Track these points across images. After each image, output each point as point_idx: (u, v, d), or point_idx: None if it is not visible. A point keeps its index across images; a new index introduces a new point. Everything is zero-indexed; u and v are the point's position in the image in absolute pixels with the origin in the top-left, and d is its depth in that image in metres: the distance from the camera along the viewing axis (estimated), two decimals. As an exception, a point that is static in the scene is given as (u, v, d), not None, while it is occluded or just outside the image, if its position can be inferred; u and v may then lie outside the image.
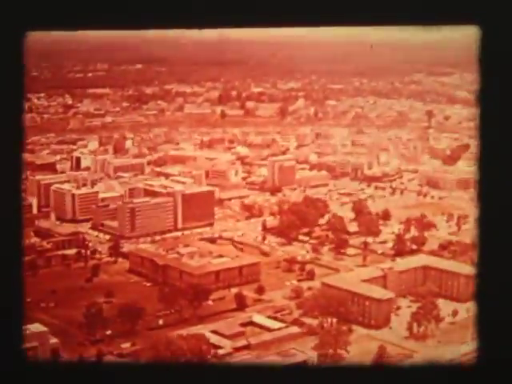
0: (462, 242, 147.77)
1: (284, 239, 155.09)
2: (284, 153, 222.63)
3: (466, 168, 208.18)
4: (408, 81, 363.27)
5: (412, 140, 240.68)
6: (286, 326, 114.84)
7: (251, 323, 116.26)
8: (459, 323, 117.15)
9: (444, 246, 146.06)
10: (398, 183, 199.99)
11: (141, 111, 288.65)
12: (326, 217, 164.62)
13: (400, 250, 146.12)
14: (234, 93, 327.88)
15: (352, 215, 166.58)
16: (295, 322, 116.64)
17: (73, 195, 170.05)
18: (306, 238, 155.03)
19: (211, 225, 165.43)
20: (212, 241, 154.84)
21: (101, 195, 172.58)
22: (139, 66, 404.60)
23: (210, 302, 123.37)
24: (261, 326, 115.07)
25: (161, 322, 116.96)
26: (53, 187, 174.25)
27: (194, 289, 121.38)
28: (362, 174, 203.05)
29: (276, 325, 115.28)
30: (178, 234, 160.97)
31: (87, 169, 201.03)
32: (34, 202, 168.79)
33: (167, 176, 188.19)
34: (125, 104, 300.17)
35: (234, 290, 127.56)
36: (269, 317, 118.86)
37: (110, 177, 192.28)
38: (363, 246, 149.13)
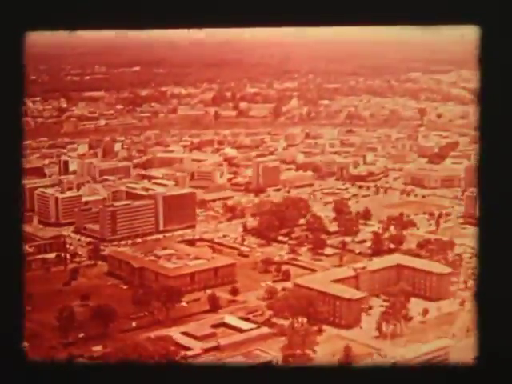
0: (440, 241, 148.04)
1: (263, 240, 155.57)
2: (272, 153, 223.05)
3: (453, 166, 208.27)
4: (404, 79, 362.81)
5: (401, 139, 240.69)
6: (258, 327, 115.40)
7: (223, 324, 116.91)
8: (429, 322, 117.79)
9: (422, 245, 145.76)
10: (382, 182, 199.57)
11: (135, 114, 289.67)
12: (307, 217, 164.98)
13: (377, 250, 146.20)
14: (228, 94, 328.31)
15: (333, 215, 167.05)
16: (267, 323, 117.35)
17: (56, 199, 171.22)
18: (286, 239, 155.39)
19: (193, 227, 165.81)
20: (191, 243, 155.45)
21: (84, 199, 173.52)
22: (137, 68, 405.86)
23: (184, 304, 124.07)
24: (232, 327, 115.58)
25: (134, 324, 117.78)
26: (37, 191, 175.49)
27: (167, 291, 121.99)
28: (347, 173, 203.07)
29: (247, 326, 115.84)
30: (160, 236, 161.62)
31: (75, 172, 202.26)
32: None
33: (150, 179, 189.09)
34: (119, 107, 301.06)
35: (209, 292, 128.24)
36: (241, 318, 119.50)
37: (96, 180, 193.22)
38: (341, 246, 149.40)
